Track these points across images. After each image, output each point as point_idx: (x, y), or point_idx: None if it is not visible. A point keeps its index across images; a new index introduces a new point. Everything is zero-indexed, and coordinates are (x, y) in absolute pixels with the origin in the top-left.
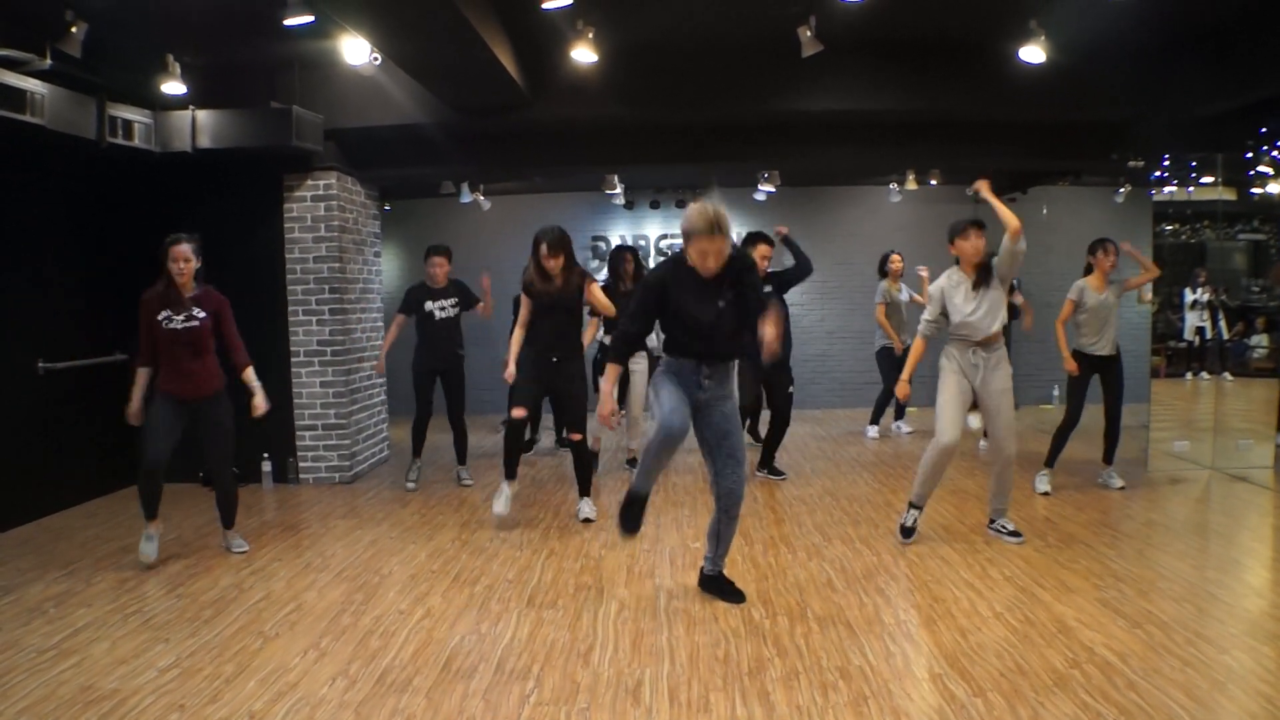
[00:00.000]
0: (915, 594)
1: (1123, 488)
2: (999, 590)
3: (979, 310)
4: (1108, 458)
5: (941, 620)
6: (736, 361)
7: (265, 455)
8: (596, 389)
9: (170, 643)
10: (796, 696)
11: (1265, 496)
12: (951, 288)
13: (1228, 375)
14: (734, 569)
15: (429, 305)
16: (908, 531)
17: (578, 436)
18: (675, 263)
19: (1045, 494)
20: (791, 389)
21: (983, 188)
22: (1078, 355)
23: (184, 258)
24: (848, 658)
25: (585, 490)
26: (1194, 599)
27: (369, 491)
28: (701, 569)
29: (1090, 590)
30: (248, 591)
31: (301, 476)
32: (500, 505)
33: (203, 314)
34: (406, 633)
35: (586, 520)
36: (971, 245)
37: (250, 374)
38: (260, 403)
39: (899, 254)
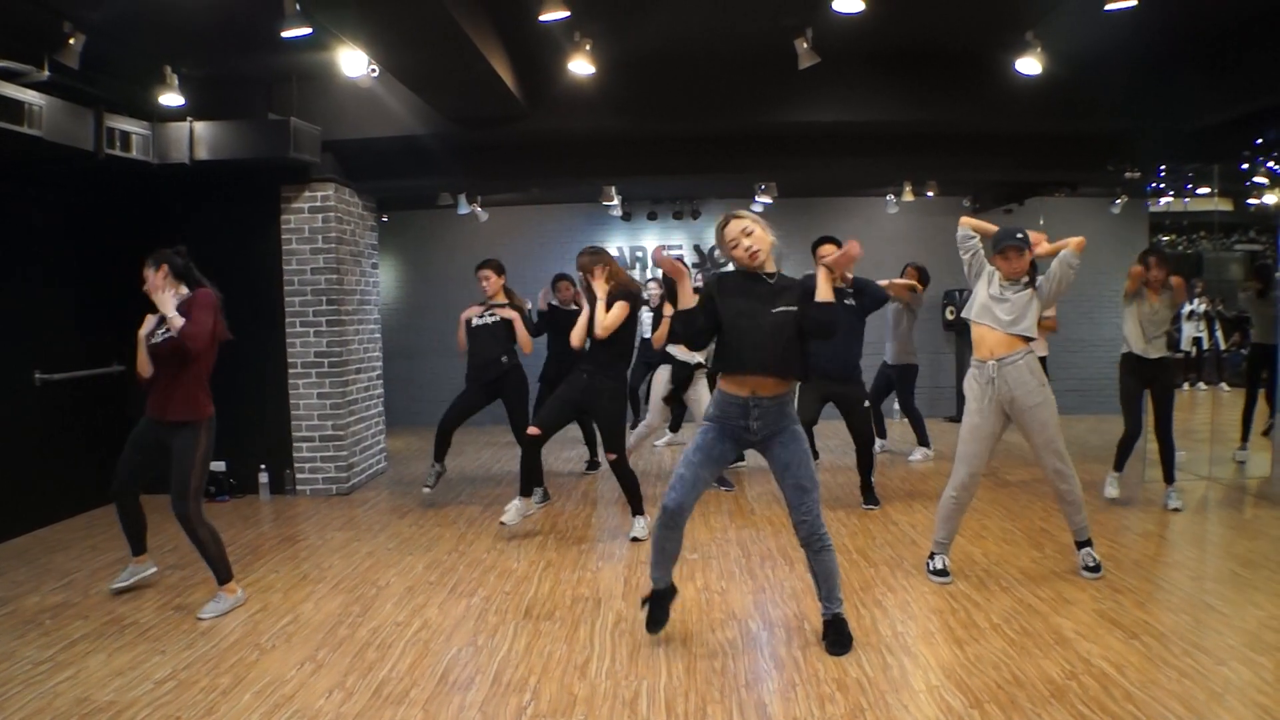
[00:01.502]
0: (912, 605)
1: (1178, 509)
2: (996, 601)
3: (1003, 304)
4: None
5: (938, 632)
6: (794, 391)
7: (262, 467)
8: (633, 405)
9: (167, 654)
10: (793, 709)
11: (1262, 506)
12: (988, 273)
13: (1224, 385)
14: (730, 579)
15: (473, 314)
16: (941, 573)
17: (613, 457)
18: (719, 276)
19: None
20: (866, 404)
21: (1039, 242)
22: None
23: (147, 278)
24: (845, 670)
25: (638, 508)
26: (1191, 610)
27: (366, 503)
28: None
29: (1087, 601)
30: (244, 603)
31: (299, 488)
32: (509, 516)
33: (181, 321)
34: (403, 644)
35: (635, 540)
36: (1010, 266)
37: (173, 320)
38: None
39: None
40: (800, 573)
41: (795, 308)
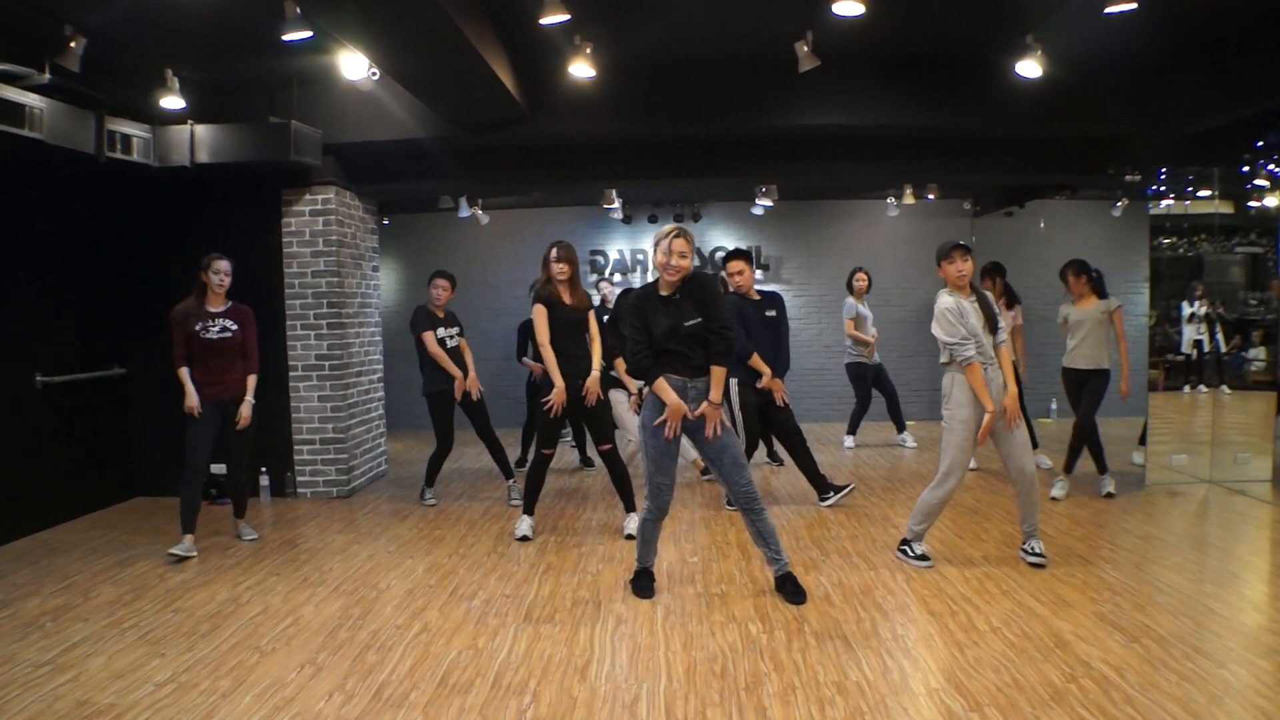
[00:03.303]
0: (912, 608)
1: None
2: (996, 604)
3: (979, 330)
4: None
5: (938, 635)
6: (725, 376)
7: (263, 469)
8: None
9: (167, 657)
10: (793, 712)
11: (1263, 510)
12: (964, 309)
13: (1225, 388)
14: (730, 583)
15: (441, 333)
16: (923, 558)
17: (607, 446)
18: (642, 292)
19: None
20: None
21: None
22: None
23: (226, 271)
24: (845, 673)
25: (630, 505)
26: (1191, 613)
27: (367, 506)
28: (776, 572)
29: (1087, 604)
30: (245, 606)
31: (299, 490)
32: (523, 529)
33: (235, 326)
34: (403, 647)
35: (631, 538)
36: (956, 269)
37: (252, 381)
38: (246, 413)
39: (864, 272)
40: (799, 574)
41: (700, 319)
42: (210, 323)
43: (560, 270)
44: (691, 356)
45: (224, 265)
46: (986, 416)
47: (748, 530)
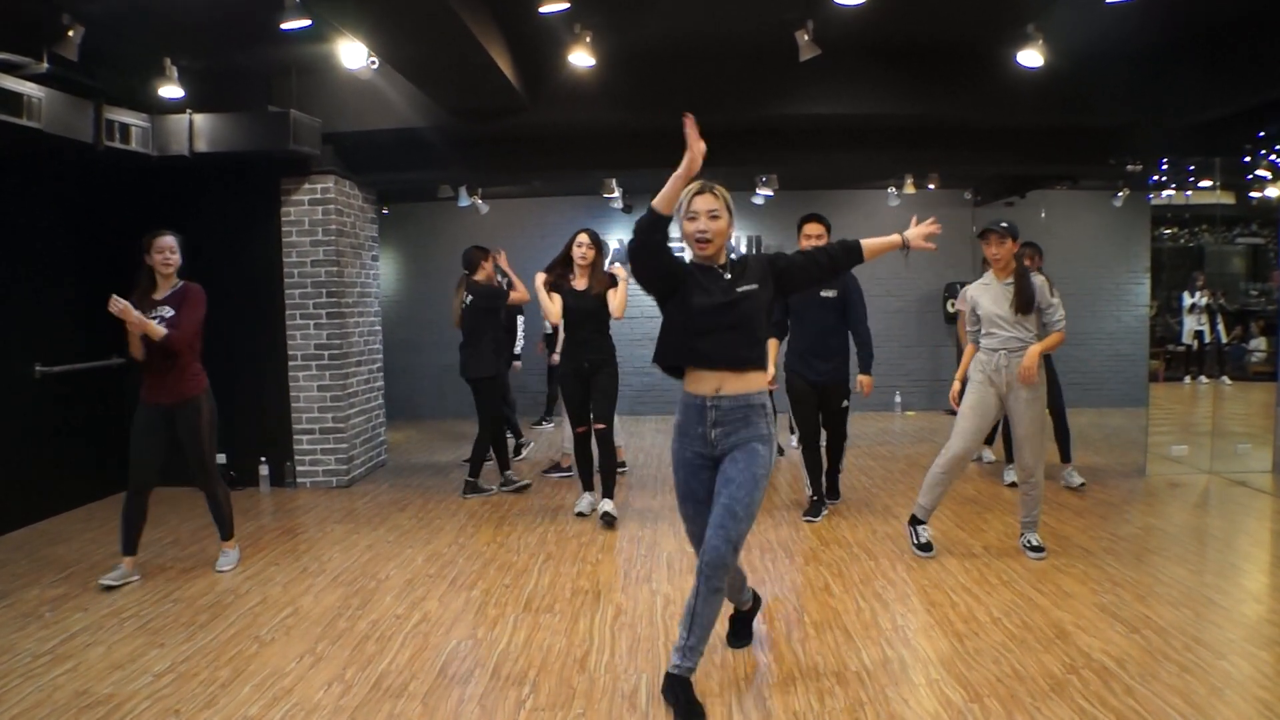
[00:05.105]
0: (912, 599)
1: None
2: (996, 595)
3: (1006, 314)
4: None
5: (938, 625)
6: (765, 396)
7: (262, 459)
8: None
9: (166, 647)
10: (793, 702)
11: (1263, 501)
12: (979, 291)
13: (1226, 379)
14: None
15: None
16: (925, 547)
17: (602, 426)
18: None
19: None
20: (846, 403)
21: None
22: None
23: (170, 248)
24: (844, 663)
25: (608, 491)
26: (1192, 604)
27: (366, 495)
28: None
29: (1088, 595)
30: (244, 596)
31: (299, 480)
32: (582, 506)
33: (172, 313)
34: (403, 638)
35: (607, 516)
36: (990, 252)
37: (156, 332)
38: (122, 306)
39: None
40: (799, 565)
41: (756, 285)
42: (150, 314)
43: (581, 255)
44: (736, 345)
45: (166, 242)
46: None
47: (687, 600)
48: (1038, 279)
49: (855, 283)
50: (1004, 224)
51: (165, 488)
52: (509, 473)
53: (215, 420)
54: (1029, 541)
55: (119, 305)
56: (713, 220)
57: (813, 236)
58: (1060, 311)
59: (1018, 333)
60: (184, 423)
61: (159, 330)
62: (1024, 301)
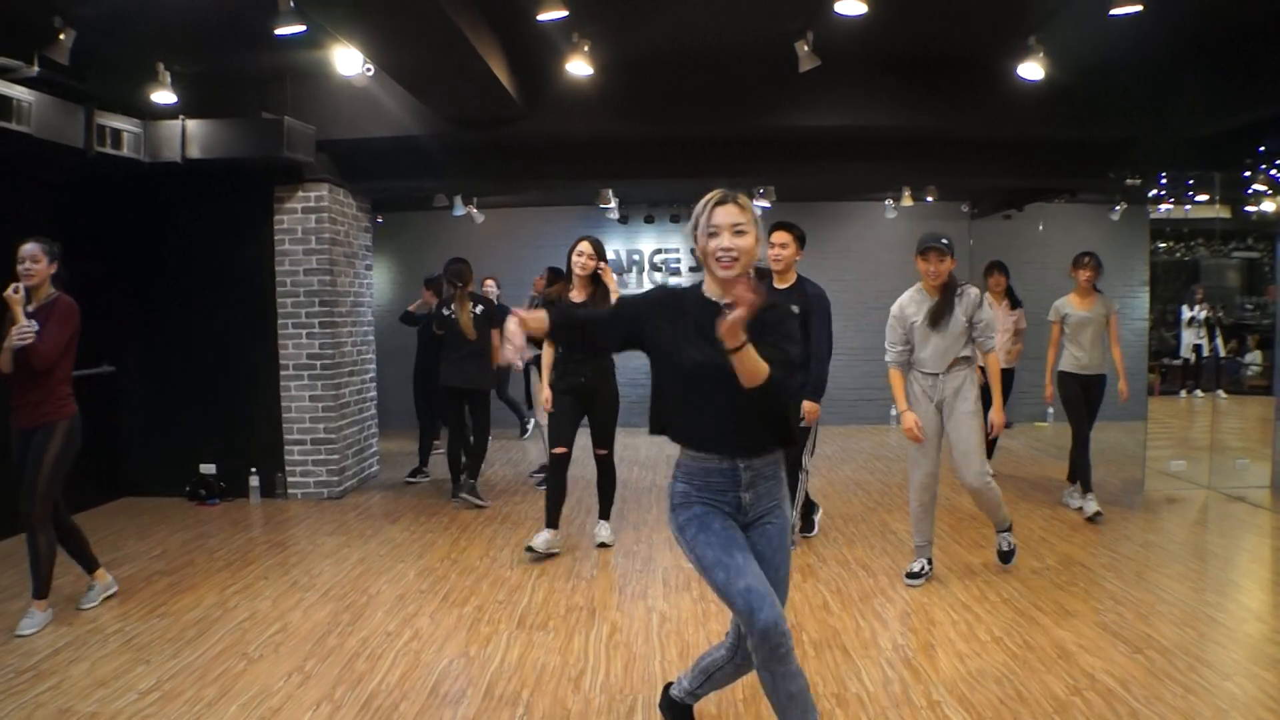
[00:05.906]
0: (912, 617)
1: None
2: (997, 614)
3: (930, 343)
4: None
5: (939, 645)
6: (779, 456)
7: (253, 470)
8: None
9: (151, 664)
10: None
11: (1262, 517)
12: (909, 311)
13: (1221, 393)
14: None
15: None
16: (913, 575)
17: (603, 452)
18: (674, 291)
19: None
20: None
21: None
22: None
23: (31, 257)
24: (844, 684)
25: (605, 513)
26: (1194, 623)
27: (358, 507)
28: (668, 687)
29: (1089, 614)
30: (232, 611)
31: (290, 492)
32: (536, 542)
33: (37, 326)
34: (394, 655)
35: (603, 545)
36: (929, 269)
37: (24, 333)
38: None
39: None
40: (798, 582)
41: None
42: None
43: (581, 265)
44: (747, 427)
45: (26, 250)
46: (906, 416)
47: (711, 657)
48: (972, 292)
49: (823, 305)
50: (944, 240)
51: (154, 498)
52: (464, 486)
53: (69, 456)
54: (1003, 544)
55: (8, 293)
56: (738, 236)
57: (776, 245)
58: (993, 329)
59: (951, 345)
60: (34, 447)
61: (12, 344)
62: (935, 316)
